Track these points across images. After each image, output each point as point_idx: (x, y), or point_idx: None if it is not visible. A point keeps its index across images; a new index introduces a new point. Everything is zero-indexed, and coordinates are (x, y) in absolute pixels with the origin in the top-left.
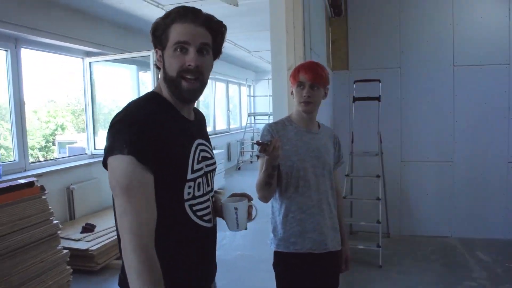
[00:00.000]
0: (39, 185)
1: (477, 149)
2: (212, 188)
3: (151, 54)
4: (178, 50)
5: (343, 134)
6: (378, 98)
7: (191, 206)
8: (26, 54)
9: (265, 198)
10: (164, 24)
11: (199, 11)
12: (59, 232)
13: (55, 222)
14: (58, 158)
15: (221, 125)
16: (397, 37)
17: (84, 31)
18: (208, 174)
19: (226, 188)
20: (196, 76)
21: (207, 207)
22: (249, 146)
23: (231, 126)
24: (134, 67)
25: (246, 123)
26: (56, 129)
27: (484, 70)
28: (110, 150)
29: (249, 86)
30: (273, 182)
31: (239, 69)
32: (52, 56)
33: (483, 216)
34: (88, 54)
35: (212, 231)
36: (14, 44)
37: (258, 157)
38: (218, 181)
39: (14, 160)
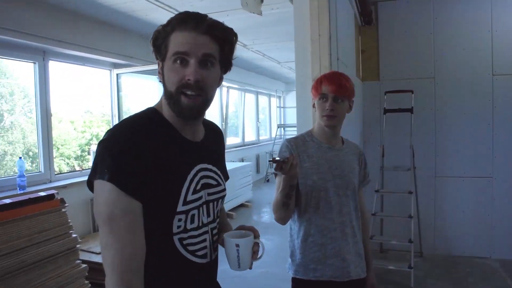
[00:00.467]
0: (59, 197)
1: None
2: (215, 219)
3: None
4: (178, 62)
5: (374, 147)
6: (410, 110)
7: (181, 239)
8: (63, 67)
9: (282, 220)
10: (164, 32)
11: (202, 17)
12: (78, 246)
13: (74, 235)
14: (83, 170)
15: (250, 137)
16: (431, 45)
17: (111, 43)
18: (211, 204)
19: (253, 201)
20: (197, 92)
21: (203, 240)
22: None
23: (261, 138)
24: None
25: (276, 135)
26: (91, 139)
27: None
28: (93, 172)
29: (279, 97)
30: (291, 203)
31: (269, 80)
32: (82, 68)
33: None
34: (116, 65)
35: (209, 267)
36: (42, 57)
37: (275, 174)
38: (246, 194)
39: (39, 171)
